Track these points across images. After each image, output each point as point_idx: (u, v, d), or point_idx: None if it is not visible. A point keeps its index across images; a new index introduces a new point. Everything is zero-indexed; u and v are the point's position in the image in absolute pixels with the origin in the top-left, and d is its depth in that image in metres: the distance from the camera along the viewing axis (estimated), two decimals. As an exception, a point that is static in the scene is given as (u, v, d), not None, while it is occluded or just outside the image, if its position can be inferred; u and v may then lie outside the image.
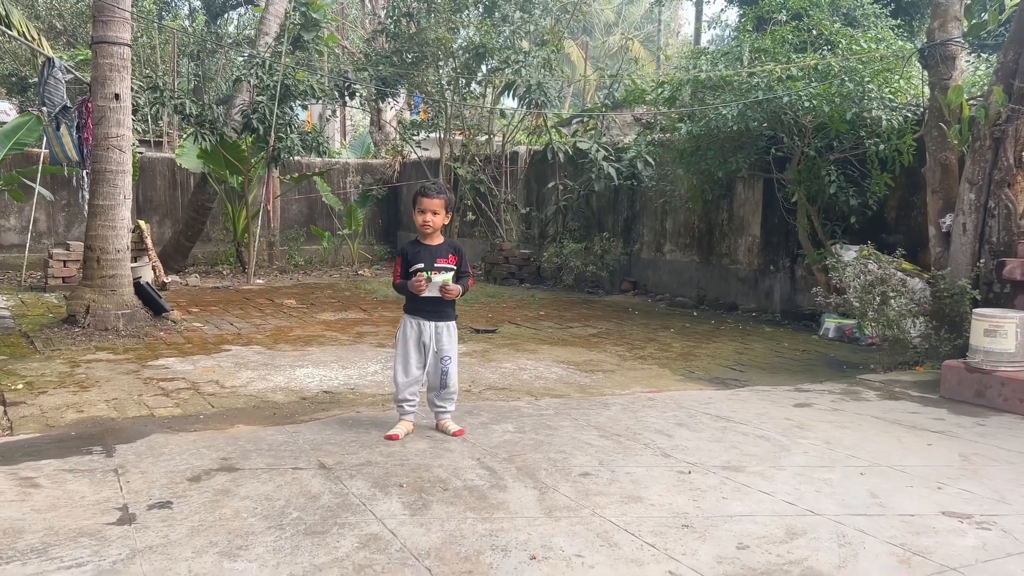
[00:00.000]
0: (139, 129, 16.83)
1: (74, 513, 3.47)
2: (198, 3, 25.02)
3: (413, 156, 17.02)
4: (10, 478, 3.89)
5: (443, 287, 4.63)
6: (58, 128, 9.86)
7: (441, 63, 14.85)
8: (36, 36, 11.85)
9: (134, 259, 10.55)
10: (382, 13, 18.95)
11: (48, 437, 4.66)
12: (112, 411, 5.29)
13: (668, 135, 11.83)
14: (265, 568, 2.96)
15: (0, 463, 4.11)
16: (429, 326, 4.72)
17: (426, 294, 4.61)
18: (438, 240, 4.79)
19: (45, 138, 11.23)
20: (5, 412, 5.17)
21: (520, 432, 4.89)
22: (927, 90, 8.06)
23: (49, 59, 9.80)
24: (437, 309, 4.73)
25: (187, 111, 13.13)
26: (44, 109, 9.70)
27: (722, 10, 17.26)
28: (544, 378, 6.64)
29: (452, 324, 4.81)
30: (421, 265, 4.66)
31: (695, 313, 10.87)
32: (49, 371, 6.44)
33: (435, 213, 4.67)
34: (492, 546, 3.19)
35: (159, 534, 3.26)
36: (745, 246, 11.06)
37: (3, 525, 3.31)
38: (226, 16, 24.89)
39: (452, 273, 4.71)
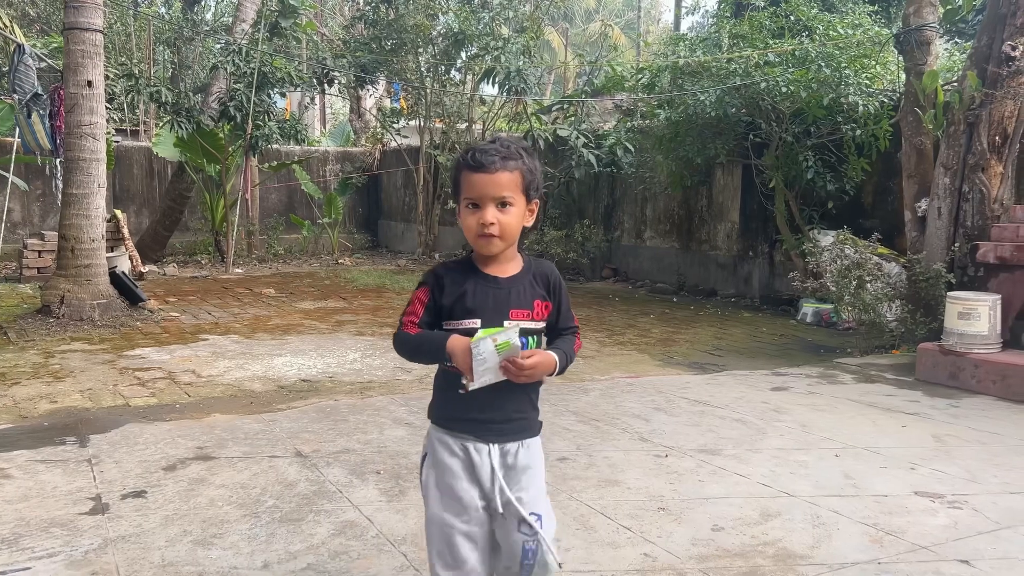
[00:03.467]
0: (115, 118, 16.63)
1: (46, 504, 3.44)
2: (174, -10, 24.73)
3: (393, 144, 16.93)
4: (-19, 469, 3.85)
5: (515, 361, 2.01)
6: (29, 116, 9.72)
7: (420, 50, 14.77)
8: (8, 23, 11.68)
9: (110, 249, 10.45)
10: (360, 0, 18.80)
11: (21, 428, 4.62)
12: (87, 401, 5.24)
13: (647, 122, 11.83)
14: (240, 555, 2.95)
15: (-29, 454, 4.06)
16: (488, 454, 2.16)
17: (481, 382, 2.04)
18: (512, 264, 2.17)
19: (17, 127, 11.07)
20: (-23, 403, 5.10)
21: (498, 418, 4.88)
22: (903, 75, 8.10)
23: (20, 46, 9.66)
24: (505, 411, 2.16)
25: (163, 99, 12.99)
26: (15, 97, 9.56)
27: (702, -4, 17.24)
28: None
29: (535, 443, 2.24)
30: (477, 323, 2.08)
31: (675, 299, 10.90)
32: (23, 362, 6.37)
33: (505, 205, 2.07)
34: (468, 531, 3.19)
35: (132, 523, 3.23)
36: (724, 232, 11.10)
37: (-26, 516, 3.28)
38: (203, 3, 24.61)
39: (538, 333, 2.20)
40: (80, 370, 6.12)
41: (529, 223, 2.12)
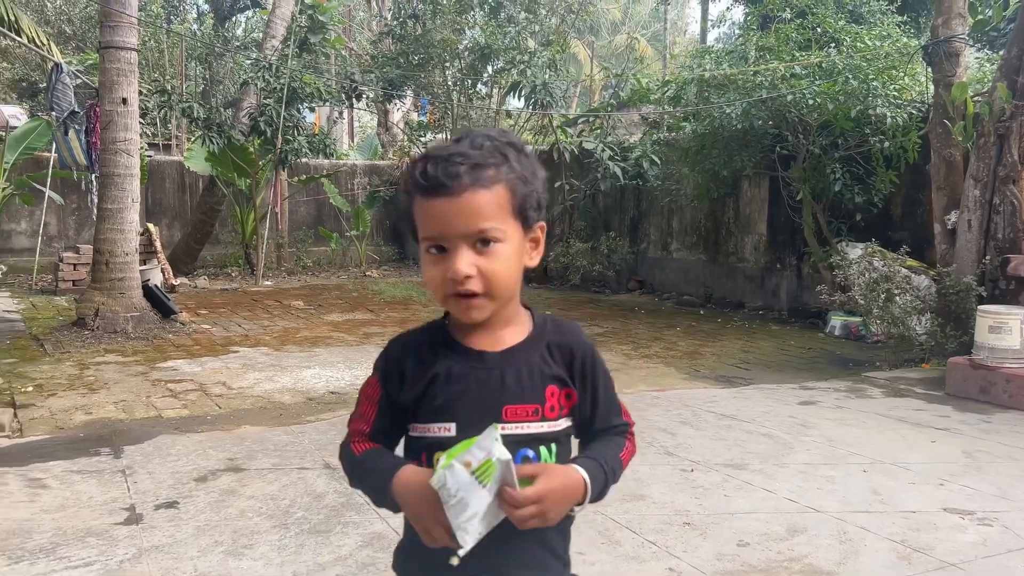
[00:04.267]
0: (148, 133, 16.92)
1: (82, 513, 3.52)
2: (206, 7, 25.16)
3: (420, 157, 17.04)
4: (20, 479, 3.95)
5: (508, 493, 1.22)
6: (67, 133, 9.94)
7: (447, 64, 14.89)
8: (45, 41, 11.96)
9: (143, 262, 10.63)
10: (388, 15, 19.01)
11: (57, 439, 4.72)
12: (120, 413, 5.34)
13: (673, 134, 11.84)
14: (270, 566, 3.00)
15: (10, 464, 4.16)
16: None
17: (471, 537, 1.22)
18: (511, 330, 1.41)
19: (54, 143, 11.31)
20: (15, 414, 5.22)
21: (524, 431, 4.91)
22: (932, 87, 8.05)
23: (57, 64, 9.88)
24: (505, 571, 1.35)
25: (195, 114, 13.20)
26: (53, 114, 9.77)
27: (728, 8, 17.20)
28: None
29: None
30: (452, 430, 1.36)
31: (702, 311, 10.87)
32: (59, 373, 6.50)
33: (488, 242, 1.30)
34: (494, 544, 3.22)
35: (165, 534, 3.30)
36: (751, 244, 11.06)
37: (12, 526, 3.36)
38: (233, 19, 25.00)
39: (555, 440, 1.40)
40: (114, 382, 6.23)
41: (534, 260, 1.36)
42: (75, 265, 11.94)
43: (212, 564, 3.02)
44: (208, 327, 8.92)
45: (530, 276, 13.88)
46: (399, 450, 1.45)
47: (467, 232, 1.26)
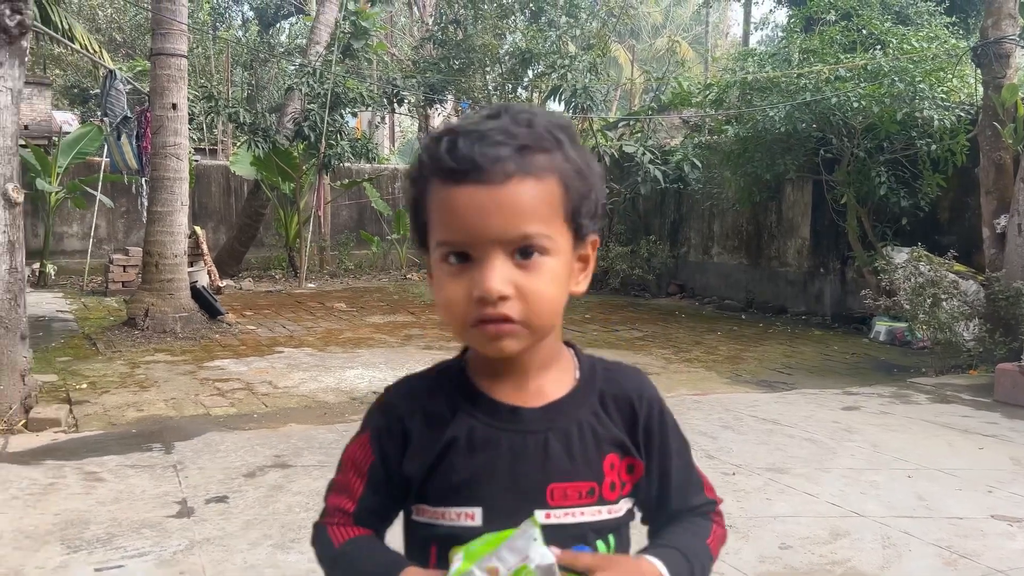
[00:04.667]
0: (194, 137, 17.27)
1: (136, 506, 3.62)
2: (251, 14, 25.60)
3: (461, 161, 17.17)
4: (76, 472, 4.08)
5: None
6: (119, 138, 10.20)
7: (488, 69, 14.98)
8: (97, 49, 12.29)
9: (190, 264, 10.85)
10: (430, 20, 19.17)
11: (111, 434, 4.86)
12: (170, 410, 5.47)
13: (715, 137, 11.78)
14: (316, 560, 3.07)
15: (67, 458, 4.30)
16: None
17: None
18: (553, 376, 1.04)
19: (106, 147, 11.61)
20: (71, 410, 5.38)
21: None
22: (981, 89, 7.92)
23: (111, 71, 10.15)
24: None
25: (241, 119, 13.45)
26: (106, 119, 10.03)
27: (771, 11, 17.08)
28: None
29: None
30: (476, 517, 0.99)
31: (743, 316, 10.80)
32: (111, 372, 6.67)
33: (530, 253, 0.93)
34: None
35: (216, 527, 3.39)
36: (794, 248, 10.96)
37: (71, 516, 3.48)
38: (278, 26, 25.40)
39: (615, 529, 1.04)
40: (164, 380, 6.39)
41: (581, 284, 1.01)
42: (124, 267, 12.23)
43: (261, 557, 3.09)
44: (253, 328, 9.08)
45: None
46: (395, 531, 1.07)
47: (506, 236, 0.90)
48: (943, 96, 8.62)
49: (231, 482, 3.96)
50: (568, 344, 1.06)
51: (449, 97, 16.53)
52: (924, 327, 7.35)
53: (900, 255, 8.26)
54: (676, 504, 1.07)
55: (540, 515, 0.92)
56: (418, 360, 7.26)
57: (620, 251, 12.86)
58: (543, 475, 0.98)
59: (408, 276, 15.88)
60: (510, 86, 15.27)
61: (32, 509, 3.56)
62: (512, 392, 1.01)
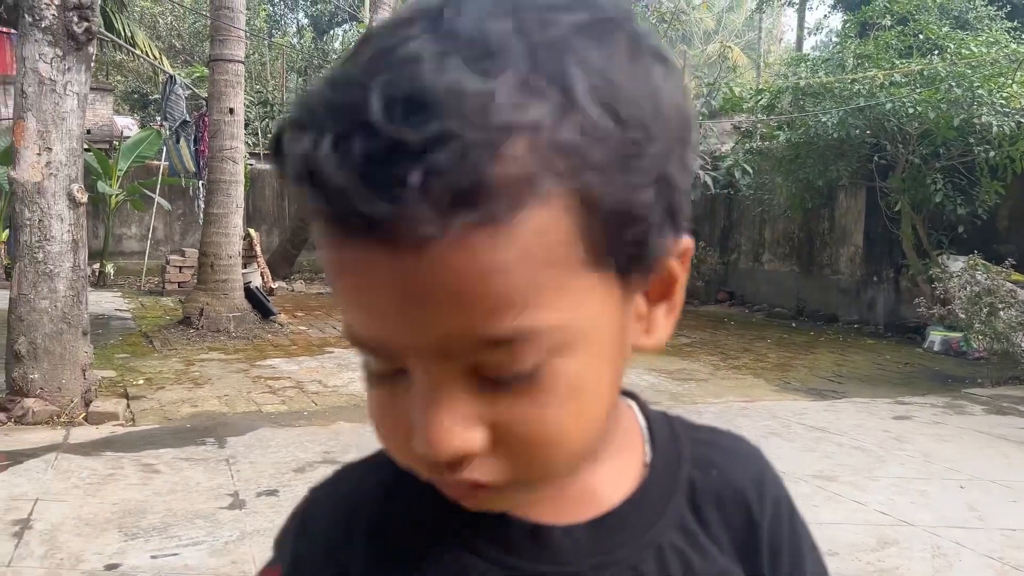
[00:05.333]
0: (249, 142, 17.61)
1: (190, 497, 3.73)
2: (306, 21, 26.08)
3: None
4: (134, 464, 4.21)
5: None
6: (178, 141, 10.48)
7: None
8: (158, 55, 12.64)
9: (244, 265, 11.09)
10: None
11: (166, 428, 5.00)
12: (223, 406, 5.61)
13: (767, 143, 11.66)
14: (364, 553, 3.14)
15: (125, 450, 4.44)
16: None
17: None
18: (608, 471, 0.53)
19: (164, 151, 11.93)
20: (128, 405, 5.55)
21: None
22: (1042, 94, 7.74)
23: (171, 76, 10.44)
24: None
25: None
26: (166, 124, 10.31)
27: (825, 16, 16.87)
28: (635, 385, 6.65)
29: None
30: None
31: (793, 324, 10.66)
32: (166, 369, 6.86)
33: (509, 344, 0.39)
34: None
35: (267, 519, 3.47)
36: (847, 256, 10.80)
37: (129, 506, 3.60)
38: (332, 32, 25.83)
39: None
40: (217, 377, 6.54)
41: (657, 333, 0.49)
42: (180, 267, 12.54)
43: (310, 549, 3.17)
44: (304, 328, 9.24)
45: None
46: None
47: (458, 345, 0.40)
48: (1003, 102, 8.43)
49: (281, 476, 4.05)
50: (628, 395, 0.57)
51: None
52: (980, 337, 7.20)
53: (956, 264, 8.10)
54: None
55: None
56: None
57: (668, 257, 12.79)
58: None
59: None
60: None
61: (92, 498, 3.69)
62: (539, 504, 0.51)
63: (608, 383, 0.45)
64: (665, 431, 0.57)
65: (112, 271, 13.56)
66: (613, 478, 0.53)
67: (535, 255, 0.38)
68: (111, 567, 2.99)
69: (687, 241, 0.48)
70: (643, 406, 0.58)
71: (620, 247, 0.41)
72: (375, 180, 0.36)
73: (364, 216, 0.37)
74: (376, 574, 0.52)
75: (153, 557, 3.07)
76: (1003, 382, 6.86)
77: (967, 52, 8.85)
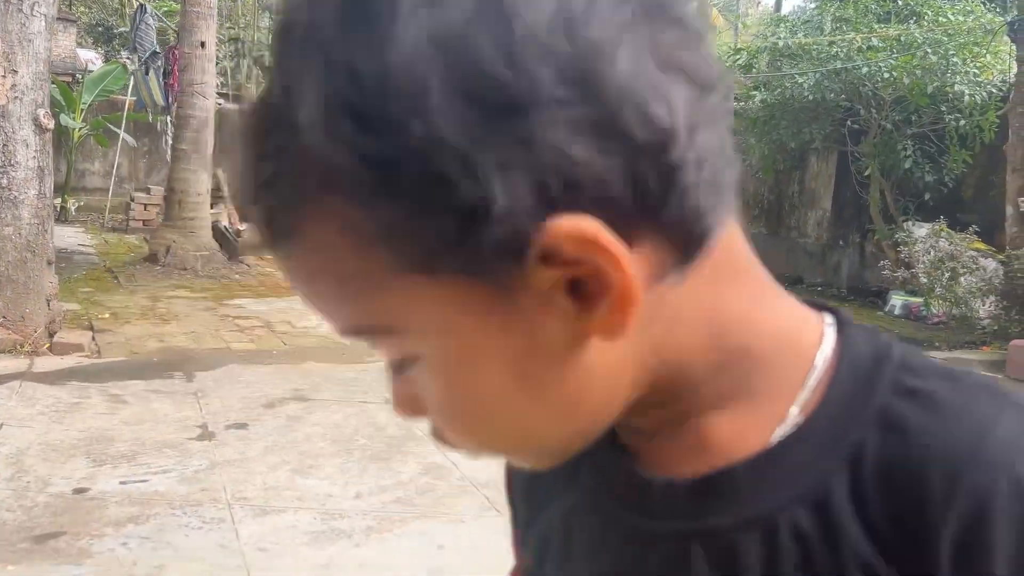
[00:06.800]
0: (217, 82, 17.25)
1: (158, 428, 3.72)
2: (279, -42, 25.37)
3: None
4: (100, 394, 4.18)
5: None
6: (147, 73, 10.22)
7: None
8: (126, -15, 12.25)
9: (212, 206, 10.93)
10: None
11: (133, 361, 4.95)
12: (191, 343, 5.57)
13: (742, 104, 11.68)
14: (334, 485, 3.16)
15: (91, 380, 4.40)
16: None
17: None
18: (731, 423, 0.41)
19: (132, 85, 11.63)
20: (94, 337, 5.48)
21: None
22: (1015, 65, 7.83)
23: (142, 5, 10.16)
24: None
25: (266, 63, 13.45)
26: (135, 55, 10.04)
27: (805, -21, 16.82)
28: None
29: None
30: None
31: (759, 285, 10.80)
32: (132, 304, 6.77)
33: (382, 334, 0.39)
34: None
35: (236, 450, 3.48)
36: (815, 219, 10.92)
37: (95, 434, 3.58)
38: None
39: None
40: (184, 315, 6.48)
41: (614, 331, 0.35)
42: (145, 205, 12.33)
43: (280, 479, 3.19)
44: (273, 270, 9.16)
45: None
46: None
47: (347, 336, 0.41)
48: (976, 71, 8.52)
49: (251, 411, 4.05)
50: (826, 310, 0.45)
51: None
52: (940, 301, 7.36)
53: (920, 230, 8.24)
54: None
55: None
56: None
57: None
58: None
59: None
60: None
61: (58, 425, 3.66)
62: (650, 439, 0.44)
63: (515, 387, 0.38)
64: (852, 374, 0.41)
65: (74, 207, 13.28)
66: (740, 429, 0.41)
67: (329, 268, 0.37)
68: (79, 491, 2.99)
69: (580, 223, 0.33)
70: (847, 337, 0.43)
71: (436, 246, 0.34)
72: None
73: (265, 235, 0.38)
74: (523, 505, 0.53)
75: (122, 483, 3.07)
76: (959, 346, 7.03)
77: (944, 20, 8.91)
